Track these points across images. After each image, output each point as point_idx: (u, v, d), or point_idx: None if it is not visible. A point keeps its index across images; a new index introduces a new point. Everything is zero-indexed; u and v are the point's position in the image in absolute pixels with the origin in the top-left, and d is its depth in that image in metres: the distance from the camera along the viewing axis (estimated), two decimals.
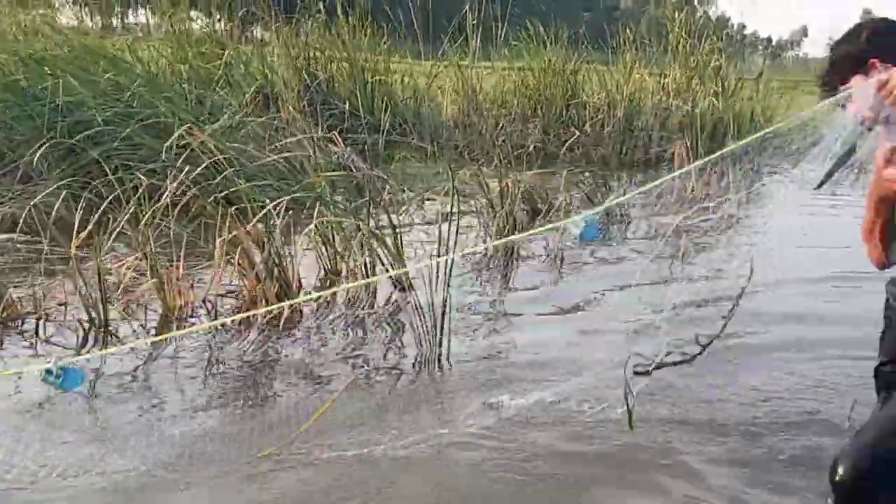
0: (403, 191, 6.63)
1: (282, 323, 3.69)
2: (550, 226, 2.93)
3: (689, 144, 8.50)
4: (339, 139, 6.73)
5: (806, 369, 3.41)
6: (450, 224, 3.72)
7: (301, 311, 3.90)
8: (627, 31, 10.60)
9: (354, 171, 6.01)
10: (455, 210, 3.88)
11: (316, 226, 4.10)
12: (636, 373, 2.59)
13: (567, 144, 9.10)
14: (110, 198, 4.01)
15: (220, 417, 2.88)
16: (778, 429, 2.86)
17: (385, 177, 5.69)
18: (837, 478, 2.00)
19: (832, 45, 2.42)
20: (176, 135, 4.55)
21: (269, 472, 2.48)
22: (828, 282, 4.85)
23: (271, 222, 3.97)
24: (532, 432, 2.78)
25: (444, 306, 3.45)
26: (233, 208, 3.91)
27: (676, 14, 9.87)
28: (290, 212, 4.19)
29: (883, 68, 2.08)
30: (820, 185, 2.16)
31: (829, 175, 2.10)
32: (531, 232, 4.58)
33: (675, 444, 2.74)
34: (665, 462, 2.61)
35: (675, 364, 2.66)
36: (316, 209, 4.22)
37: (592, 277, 4.87)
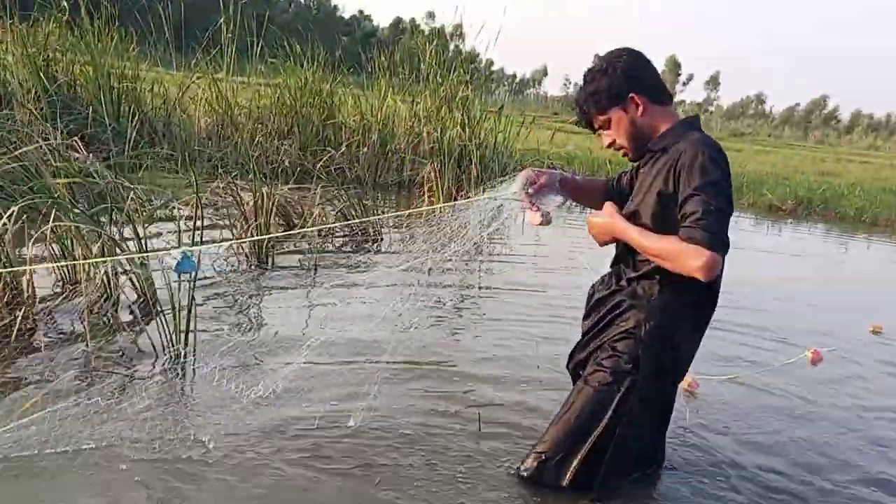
0: (151, 201, 6.44)
1: (14, 333, 3.50)
2: None
3: (438, 169, 9.02)
4: (81, 146, 6.41)
5: None
6: (195, 227, 3.72)
7: (34, 319, 3.71)
8: (382, 57, 11.01)
9: (97, 178, 5.76)
10: (201, 217, 3.88)
11: (53, 231, 3.91)
12: None
13: (322, 162, 9.26)
14: None
15: None
16: None
17: (130, 185, 5.50)
18: None
19: (586, 78, 2.66)
20: None
21: None
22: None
23: (1, 227, 3.74)
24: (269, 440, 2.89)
25: (189, 310, 3.46)
26: None
27: (428, 45, 10.39)
28: (25, 216, 3.96)
29: (640, 101, 2.57)
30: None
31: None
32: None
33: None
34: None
35: None
36: (52, 215, 4.03)
37: (343, 288, 5.05)
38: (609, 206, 2.64)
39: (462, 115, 10.10)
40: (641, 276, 2.59)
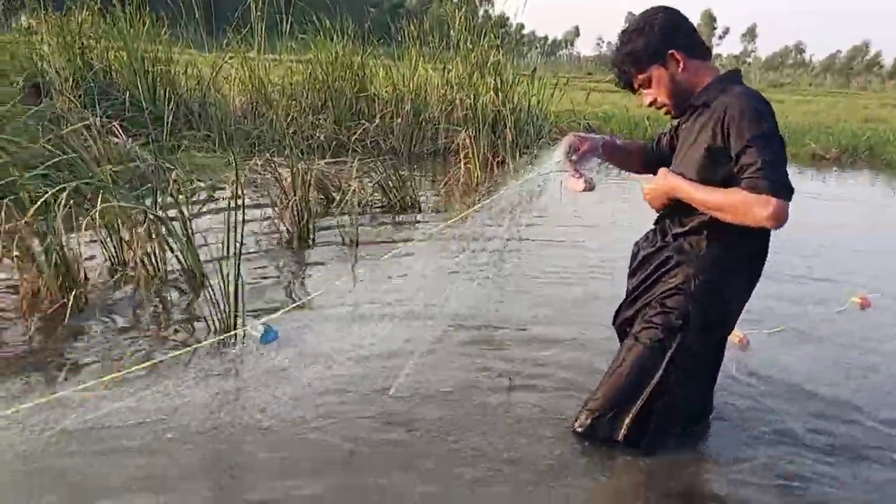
0: (192, 181, 6.53)
1: (68, 311, 3.60)
2: None
3: (472, 136, 8.99)
4: (120, 130, 6.51)
5: None
6: (235, 208, 3.78)
7: (86, 299, 3.81)
8: (412, 26, 10.96)
9: (138, 161, 5.86)
10: (242, 195, 3.94)
11: (100, 214, 4.00)
12: None
13: (357, 135, 9.30)
14: None
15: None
16: None
17: (171, 167, 5.59)
18: None
19: (623, 38, 2.64)
20: None
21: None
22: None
23: (52, 213, 3.83)
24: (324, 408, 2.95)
25: (237, 287, 3.53)
26: (7, 199, 3.74)
27: (457, 12, 10.32)
28: (72, 201, 4.06)
29: (679, 57, 2.54)
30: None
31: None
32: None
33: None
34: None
35: None
36: (99, 199, 4.12)
37: (385, 258, 5.09)
38: (662, 170, 2.63)
39: (495, 80, 10.04)
40: (688, 231, 2.58)
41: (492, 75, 10.11)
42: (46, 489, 2.32)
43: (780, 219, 2.30)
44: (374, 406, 2.94)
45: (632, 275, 2.80)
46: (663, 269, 2.64)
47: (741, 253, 2.55)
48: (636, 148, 2.96)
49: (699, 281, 2.55)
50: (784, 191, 2.30)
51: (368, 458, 2.58)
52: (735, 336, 3.64)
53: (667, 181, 2.57)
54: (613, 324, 2.95)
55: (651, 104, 2.68)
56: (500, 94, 9.90)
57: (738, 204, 2.35)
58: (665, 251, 2.64)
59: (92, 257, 4.34)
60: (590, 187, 2.71)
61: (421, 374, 3.21)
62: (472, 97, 9.98)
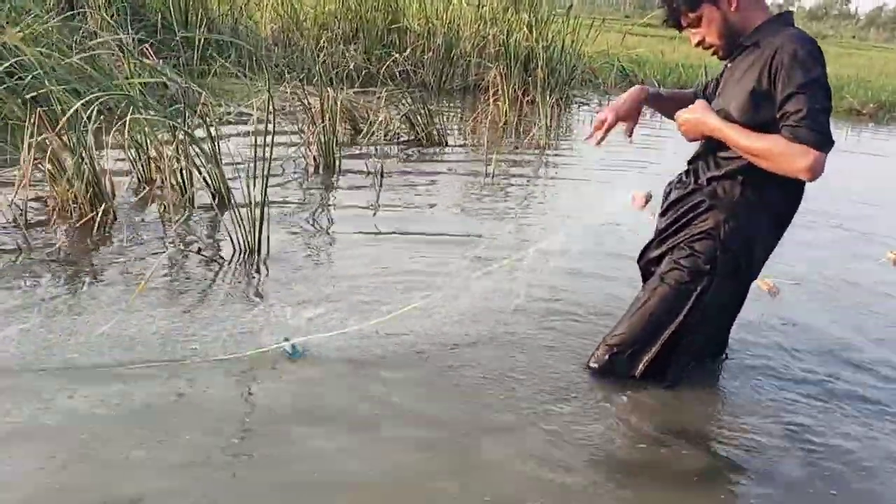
0: (220, 105, 6.54)
1: (96, 227, 3.67)
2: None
3: (504, 73, 8.88)
4: (151, 52, 6.50)
5: None
6: (265, 132, 3.79)
7: (115, 214, 3.87)
8: None
9: (168, 83, 5.88)
10: (273, 119, 3.95)
11: (128, 128, 4.04)
12: None
13: (387, 67, 9.23)
14: None
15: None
16: None
17: (200, 90, 5.60)
18: None
19: None
20: None
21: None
22: None
23: (82, 126, 3.87)
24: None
25: (263, 210, 3.57)
26: (41, 110, 3.78)
27: None
28: (102, 117, 4.09)
29: None
30: None
31: None
32: None
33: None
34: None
35: None
36: (128, 116, 4.15)
37: (411, 193, 5.11)
38: (700, 102, 2.60)
39: (529, 16, 9.88)
40: (723, 175, 2.57)
41: (526, 11, 9.95)
42: None
43: (817, 172, 2.30)
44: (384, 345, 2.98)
45: (662, 214, 2.80)
46: (694, 213, 2.64)
47: (774, 201, 2.54)
48: (682, 96, 2.92)
49: (729, 227, 2.55)
50: (826, 143, 2.29)
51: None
52: (764, 283, 3.63)
53: (705, 115, 2.54)
54: (638, 262, 2.96)
55: (698, 44, 2.61)
56: (533, 31, 9.75)
57: (777, 151, 2.33)
58: (697, 194, 2.63)
59: (123, 172, 4.39)
60: (648, 198, 2.81)
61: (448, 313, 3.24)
62: (505, 33, 9.84)
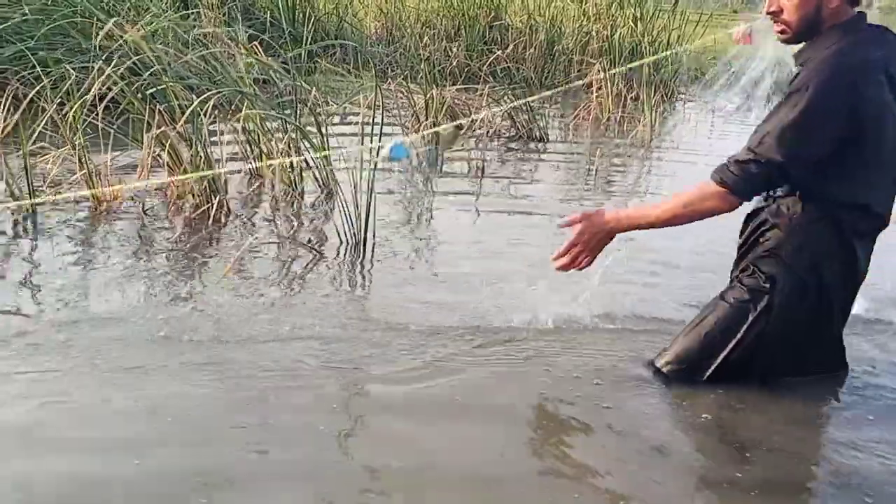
0: (327, 102, 6.67)
1: (211, 219, 3.79)
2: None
3: (607, 69, 8.72)
4: (260, 50, 6.68)
5: None
6: (373, 124, 3.84)
7: (228, 206, 3.99)
8: None
9: (276, 80, 6.02)
10: (381, 115, 4.00)
11: (242, 124, 4.16)
12: None
13: (489, 63, 9.22)
14: (35, 90, 3.97)
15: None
16: None
17: (308, 87, 5.72)
18: None
19: None
20: (105, 29, 4.49)
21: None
22: None
23: (198, 121, 4.00)
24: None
25: (369, 204, 3.61)
26: (161, 106, 3.93)
27: None
28: (216, 111, 4.23)
29: None
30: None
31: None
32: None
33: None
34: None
35: None
36: (243, 111, 4.27)
37: (512, 188, 5.09)
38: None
39: (634, 11, 9.71)
40: (786, 193, 2.45)
41: (631, 6, 9.77)
42: None
43: (724, 209, 2.42)
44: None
45: (741, 234, 2.67)
46: (760, 231, 2.53)
47: (841, 216, 2.41)
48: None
49: (792, 246, 2.44)
50: (741, 191, 2.38)
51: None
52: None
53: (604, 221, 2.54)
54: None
55: (771, 12, 2.43)
56: (638, 25, 9.57)
57: (687, 204, 2.46)
58: (763, 212, 2.52)
59: (236, 166, 4.52)
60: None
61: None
62: (609, 28, 9.69)
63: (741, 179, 2.36)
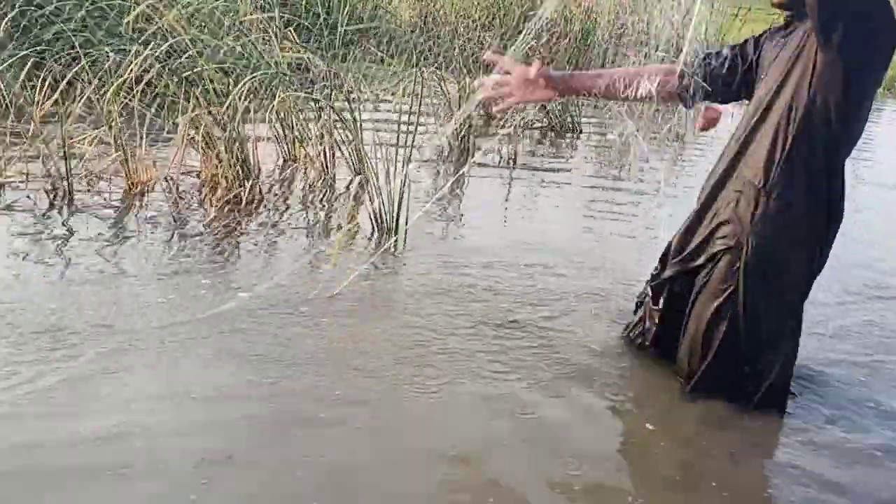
0: (360, 89, 6.66)
1: (243, 202, 3.81)
2: None
3: (642, 63, 8.62)
4: (295, 36, 6.69)
5: None
6: (410, 112, 3.83)
7: (260, 190, 4.00)
8: None
9: (311, 65, 6.02)
10: (419, 104, 3.98)
11: (276, 108, 4.17)
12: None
13: (523, 53, 9.16)
14: (73, 71, 4.00)
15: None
16: None
17: (342, 73, 5.72)
18: None
19: None
20: (138, 9, 4.52)
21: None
22: None
23: (232, 105, 4.01)
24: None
25: (402, 192, 3.60)
26: (196, 90, 3.95)
27: None
28: (252, 96, 4.24)
29: None
30: None
31: None
32: None
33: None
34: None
35: None
36: (278, 96, 4.27)
37: (542, 181, 5.07)
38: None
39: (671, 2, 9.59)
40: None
41: None
42: None
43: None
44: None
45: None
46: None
47: (795, 212, 2.27)
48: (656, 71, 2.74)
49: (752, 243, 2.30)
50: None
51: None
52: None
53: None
54: None
55: None
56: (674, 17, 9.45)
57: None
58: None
59: (269, 150, 4.53)
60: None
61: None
62: (645, 21, 9.59)
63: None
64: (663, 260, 2.60)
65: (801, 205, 2.25)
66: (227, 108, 3.92)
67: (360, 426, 2.16)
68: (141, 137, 3.92)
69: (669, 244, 2.58)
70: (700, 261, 2.42)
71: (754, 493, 2.09)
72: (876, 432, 2.41)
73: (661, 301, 2.58)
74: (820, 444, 2.31)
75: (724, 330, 2.34)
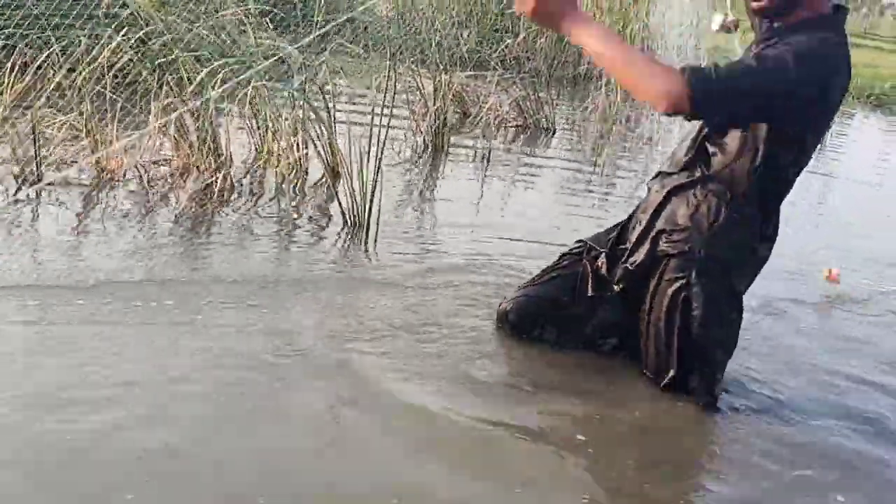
0: (334, 83, 6.63)
1: (215, 192, 3.78)
2: None
3: None
4: (271, 27, 6.64)
5: None
6: (383, 107, 3.83)
7: (232, 181, 3.98)
8: None
9: (285, 58, 5.99)
10: (392, 99, 3.98)
11: (249, 98, 4.14)
12: None
13: (499, 52, 9.19)
14: (45, 55, 3.95)
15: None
16: None
17: (317, 65, 5.68)
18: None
19: None
20: None
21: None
22: None
23: (206, 94, 3.98)
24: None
25: (374, 186, 3.59)
26: (170, 77, 3.92)
27: None
28: (225, 85, 4.20)
29: None
30: None
31: None
32: None
33: None
34: None
35: None
36: (249, 88, 4.23)
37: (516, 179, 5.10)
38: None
39: (647, 6, 9.70)
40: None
41: (645, 2, 9.75)
42: None
43: (669, 103, 2.06)
44: None
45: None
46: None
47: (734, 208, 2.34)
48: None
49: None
50: (701, 94, 2.05)
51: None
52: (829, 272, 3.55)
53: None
54: None
55: None
56: (649, 19, 9.57)
57: (643, 70, 2.13)
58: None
59: (242, 140, 4.50)
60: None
61: None
62: (620, 23, 9.66)
63: (709, 91, 2.10)
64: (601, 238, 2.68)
65: (756, 217, 2.36)
66: (201, 96, 3.88)
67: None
68: (110, 123, 3.87)
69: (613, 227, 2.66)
70: (639, 258, 2.46)
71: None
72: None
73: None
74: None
75: (683, 334, 2.40)
